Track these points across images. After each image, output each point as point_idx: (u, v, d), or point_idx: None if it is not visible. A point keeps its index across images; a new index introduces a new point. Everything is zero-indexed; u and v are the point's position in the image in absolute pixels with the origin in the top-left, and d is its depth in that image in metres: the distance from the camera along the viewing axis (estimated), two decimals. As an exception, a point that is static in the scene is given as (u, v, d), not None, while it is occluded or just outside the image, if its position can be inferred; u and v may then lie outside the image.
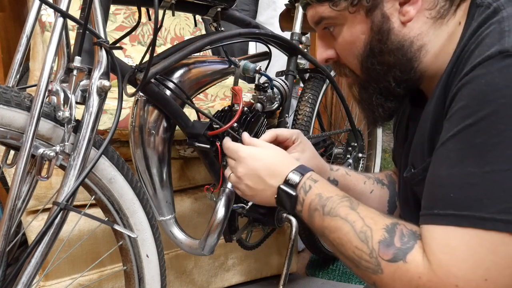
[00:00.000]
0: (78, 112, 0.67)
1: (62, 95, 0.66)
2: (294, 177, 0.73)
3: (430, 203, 0.59)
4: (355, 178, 0.92)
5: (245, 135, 0.86)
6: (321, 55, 0.75)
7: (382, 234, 0.61)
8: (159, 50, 1.58)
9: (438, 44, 0.66)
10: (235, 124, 0.94)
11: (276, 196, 0.74)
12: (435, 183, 0.59)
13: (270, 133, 0.85)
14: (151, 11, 0.90)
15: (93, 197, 0.77)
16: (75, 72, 0.68)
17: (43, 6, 0.67)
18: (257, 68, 1.02)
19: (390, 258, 0.59)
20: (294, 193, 0.72)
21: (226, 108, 1.01)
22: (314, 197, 0.70)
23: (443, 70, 0.65)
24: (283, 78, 1.24)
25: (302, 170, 0.74)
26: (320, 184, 0.72)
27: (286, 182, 0.73)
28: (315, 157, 0.88)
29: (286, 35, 1.31)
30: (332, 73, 1.45)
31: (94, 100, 0.67)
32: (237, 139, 0.90)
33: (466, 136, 0.55)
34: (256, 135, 0.99)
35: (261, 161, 0.77)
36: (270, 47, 1.22)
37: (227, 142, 0.85)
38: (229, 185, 0.95)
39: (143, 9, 0.85)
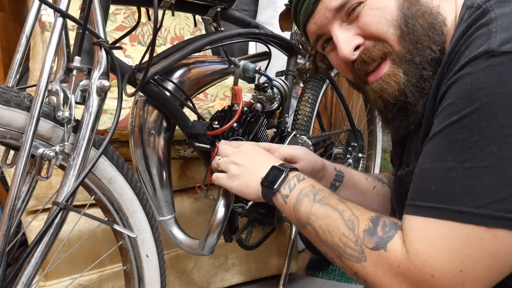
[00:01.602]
0: (78, 112, 0.67)
1: (61, 95, 0.66)
2: (289, 166, 0.77)
3: (413, 195, 0.61)
4: (357, 174, 0.95)
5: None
6: (347, 46, 0.69)
7: (367, 223, 0.63)
8: (159, 50, 1.58)
9: (450, 23, 0.67)
10: (235, 124, 0.94)
11: (264, 175, 0.76)
12: (419, 175, 0.61)
13: (279, 155, 0.88)
14: (151, 11, 0.90)
15: (93, 197, 0.77)
16: (74, 72, 0.68)
17: (43, 6, 0.67)
18: (257, 68, 1.02)
19: (373, 246, 0.61)
20: (286, 173, 0.74)
21: (226, 108, 1.01)
22: (307, 186, 0.73)
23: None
24: (283, 78, 1.24)
25: (293, 167, 0.78)
26: (312, 179, 0.75)
27: (281, 165, 0.77)
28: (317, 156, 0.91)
29: (286, 35, 1.31)
30: (332, 74, 1.45)
31: (94, 100, 0.67)
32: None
33: (450, 132, 0.56)
34: (256, 135, 0.99)
35: (259, 152, 0.82)
36: (270, 47, 1.22)
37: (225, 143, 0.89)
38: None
39: (143, 9, 0.84)
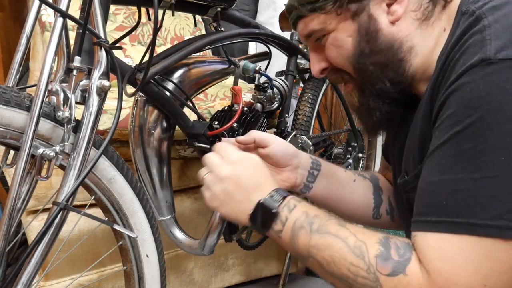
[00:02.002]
0: (78, 112, 0.67)
1: (62, 95, 0.66)
2: (278, 195, 0.69)
3: (422, 210, 0.59)
4: (334, 165, 0.92)
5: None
6: (315, 68, 0.77)
7: (377, 248, 0.59)
8: (159, 50, 1.58)
9: (426, 47, 0.68)
10: (235, 124, 0.94)
11: (252, 211, 0.69)
12: (427, 190, 0.59)
13: (249, 136, 0.82)
14: (151, 11, 0.90)
15: (93, 197, 0.77)
16: (75, 72, 0.68)
17: (43, 6, 0.67)
18: (257, 68, 1.02)
19: (389, 272, 0.58)
20: (275, 210, 0.68)
21: (226, 108, 1.01)
22: (300, 215, 0.67)
23: (430, 76, 0.66)
24: (283, 78, 1.24)
25: (284, 192, 0.71)
26: (304, 203, 0.69)
27: (270, 197, 0.69)
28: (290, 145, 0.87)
29: (286, 35, 1.31)
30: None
31: (94, 100, 0.67)
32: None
33: (455, 143, 0.56)
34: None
35: (249, 170, 0.72)
36: (270, 47, 1.22)
37: (224, 144, 0.79)
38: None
39: (143, 9, 0.84)
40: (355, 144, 1.64)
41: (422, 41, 0.68)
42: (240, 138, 0.83)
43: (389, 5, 0.67)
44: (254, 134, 0.82)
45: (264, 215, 0.69)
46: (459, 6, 0.66)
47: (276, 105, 1.14)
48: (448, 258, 0.55)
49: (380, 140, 1.95)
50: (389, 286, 0.57)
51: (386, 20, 0.67)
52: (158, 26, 0.70)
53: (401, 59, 0.68)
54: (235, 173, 0.71)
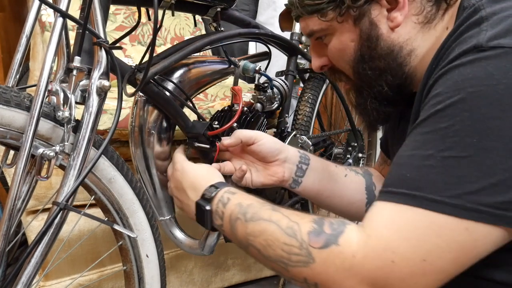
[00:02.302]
0: (78, 112, 0.67)
1: (61, 95, 0.66)
2: (210, 192, 0.73)
3: (387, 181, 0.60)
4: (324, 159, 0.92)
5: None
6: (315, 63, 0.78)
7: (311, 225, 0.60)
8: (159, 50, 1.58)
9: (427, 48, 0.68)
10: (235, 124, 0.94)
11: (195, 212, 0.74)
12: (396, 163, 0.60)
13: (235, 138, 0.86)
14: (151, 11, 0.90)
15: (93, 197, 0.77)
16: (74, 72, 0.68)
17: (43, 6, 0.67)
18: (257, 68, 1.02)
19: (321, 245, 0.57)
20: (208, 208, 0.71)
21: (226, 108, 1.01)
22: (234, 207, 0.69)
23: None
24: (283, 78, 1.24)
25: (219, 185, 0.74)
26: (238, 195, 0.71)
27: (202, 197, 0.74)
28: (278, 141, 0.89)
29: (286, 35, 1.31)
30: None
31: (94, 100, 0.67)
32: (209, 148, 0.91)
33: (433, 120, 0.56)
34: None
35: (187, 175, 0.80)
36: (270, 47, 1.22)
37: (176, 154, 0.87)
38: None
39: (143, 9, 0.84)
40: (355, 144, 1.64)
41: (423, 43, 0.68)
42: (226, 141, 0.86)
43: (389, 11, 0.67)
44: (239, 134, 0.85)
45: (202, 213, 0.73)
46: (461, 2, 0.66)
47: (276, 105, 1.14)
48: (395, 227, 0.54)
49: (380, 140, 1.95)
50: (321, 258, 0.57)
51: (386, 26, 0.68)
52: (158, 26, 0.70)
53: (400, 63, 0.69)
54: (177, 181, 0.81)
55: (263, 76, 1.05)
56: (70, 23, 0.66)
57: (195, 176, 0.79)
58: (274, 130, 1.28)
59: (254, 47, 2.12)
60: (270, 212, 0.65)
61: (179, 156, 0.86)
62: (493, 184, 0.51)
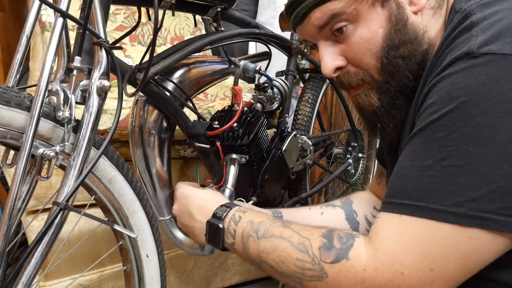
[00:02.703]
0: (78, 112, 0.67)
1: (62, 95, 0.66)
2: (221, 211, 0.75)
3: (389, 192, 0.61)
4: (297, 208, 0.94)
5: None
6: (330, 65, 0.69)
7: (320, 240, 0.62)
8: (159, 50, 1.58)
9: (437, 36, 0.67)
10: (235, 124, 0.94)
11: (205, 232, 0.76)
12: (397, 173, 0.60)
13: None
14: (151, 11, 0.90)
15: (93, 197, 0.77)
16: (75, 72, 0.68)
17: (43, 6, 0.67)
18: (257, 68, 1.02)
19: (332, 259, 0.60)
20: (221, 225, 0.73)
21: (226, 108, 1.01)
22: (246, 225, 0.71)
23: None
24: (283, 78, 1.24)
25: (230, 205, 0.77)
26: (249, 213, 0.73)
27: (214, 215, 0.76)
28: None
29: (286, 35, 1.31)
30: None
31: (94, 100, 0.67)
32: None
33: (430, 130, 0.57)
34: (256, 135, 0.99)
35: (192, 199, 0.82)
36: (270, 47, 1.22)
37: (178, 184, 0.90)
38: (229, 185, 0.95)
39: (143, 9, 0.85)
40: (355, 144, 1.64)
41: (437, 31, 0.67)
42: None
43: None
44: None
45: (213, 232, 0.74)
46: (452, 5, 0.66)
47: (276, 105, 1.14)
48: (401, 240, 0.56)
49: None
50: (334, 272, 0.59)
51: (410, 10, 0.66)
52: (158, 26, 0.70)
53: (425, 50, 0.66)
54: (182, 206, 0.84)
55: (263, 76, 1.05)
56: (70, 23, 0.66)
57: (202, 199, 0.81)
58: (274, 130, 1.28)
59: (254, 47, 2.12)
60: (281, 229, 0.67)
61: (179, 184, 0.90)
62: (492, 190, 0.52)
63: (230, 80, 1.13)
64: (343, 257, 0.59)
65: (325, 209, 0.91)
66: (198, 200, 0.82)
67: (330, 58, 0.69)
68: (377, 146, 0.96)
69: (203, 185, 0.97)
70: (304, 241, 0.63)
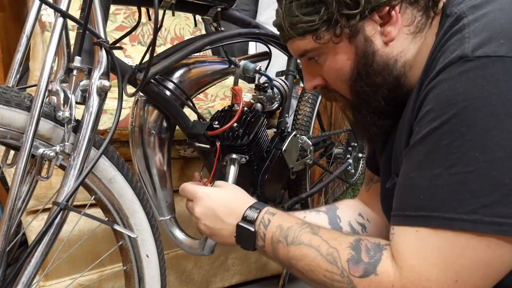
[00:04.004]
0: (78, 112, 0.67)
1: (62, 95, 0.66)
2: (252, 213, 0.75)
3: (401, 204, 0.61)
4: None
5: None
6: (309, 84, 0.76)
7: (348, 252, 0.62)
8: (159, 50, 1.58)
9: (420, 57, 0.67)
10: (235, 124, 0.94)
11: (235, 234, 0.76)
12: (406, 185, 0.60)
13: None
14: (151, 11, 0.90)
15: (93, 197, 0.77)
16: (75, 72, 0.68)
17: (43, 6, 0.67)
18: (257, 68, 1.02)
19: (361, 274, 0.60)
20: (253, 229, 0.73)
21: (226, 108, 1.01)
22: (275, 230, 0.71)
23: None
24: (283, 78, 1.24)
25: (259, 205, 0.76)
26: (278, 216, 0.73)
27: (244, 219, 0.75)
28: None
29: (286, 35, 1.31)
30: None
31: (94, 100, 0.67)
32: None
33: (433, 139, 0.56)
34: (256, 135, 0.99)
35: (217, 200, 0.79)
36: (270, 47, 1.22)
37: (186, 185, 0.86)
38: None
39: (143, 9, 0.84)
40: (355, 144, 1.64)
41: (416, 52, 0.67)
42: None
43: (382, 25, 0.66)
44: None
45: (244, 236, 0.74)
46: (443, 9, 0.66)
47: (276, 105, 1.14)
48: (422, 256, 0.56)
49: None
50: (363, 286, 0.60)
51: (381, 41, 0.66)
52: (158, 26, 0.70)
53: (396, 76, 0.68)
54: (206, 207, 0.80)
55: (263, 76, 1.05)
56: (70, 23, 0.66)
57: (227, 199, 0.80)
58: (274, 130, 1.28)
59: (254, 47, 2.12)
60: (310, 236, 0.67)
61: (193, 186, 0.85)
62: (504, 194, 0.52)
63: (230, 80, 1.13)
64: (372, 272, 0.60)
65: (308, 214, 0.91)
66: (224, 201, 0.80)
67: (309, 77, 0.75)
68: (367, 152, 0.95)
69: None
70: (333, 252, 0.63)
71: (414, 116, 0.62)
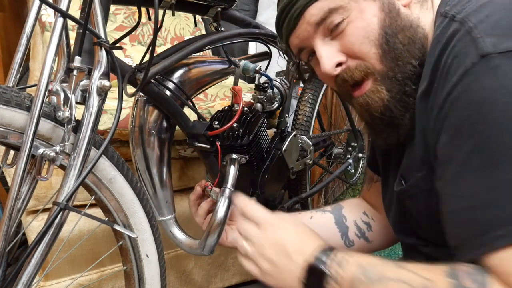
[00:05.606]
0: (78, 112, 0.67)
1: (62, 95, 0.66)
2: (324, 254, 0.65)
3: (483, 228, 0.55)
4: (288, 214, 0.90)
5: (243, 201, 0.76)
6: (332, 60, 0.68)
7: (448, 281, 0.56)
8: (159, 50, 1.58)
9: (427, 28, 0.67)
10: (235, 124, 0.94)
11: (302, 276, 0.65)
12: (472, 206, 0.56)
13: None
14: (151, 11, 0.90)
15: (93, 197, 0.77)
16: (75, 72, 0.68)
17: (43, 6, 0.67)
18: (257, 68, 1.02)
19: None
20: (327, 271, 0.63)
21: (226, 108, 1.01)
22: (355, 269, 0.62)
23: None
24: (283, 78, 1.24)
25: (327, 248, 0.66)
26: (352, 254, 0.65)
27: (316, 259, 0.64)
28: None
29: (286, 35, 1.31)
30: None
31: (94, 100, 0.67)
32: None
33: (481, 149, 0.54)
34: (256, 135, 0.99)
35: (287, 232, 0.69)
36: (270, 47, 1.22)
37: (243, 201, 0.76)
38: (229, 185, 0.95)
39: (143, 9, 0.85)
40: (355, 144, 1.64)
41: (430, 22, 0.67)
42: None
43: None
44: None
45: (315, 278, 0.64)
46: (438, 7, 0.66)
47: (276, 105, 1.14)
48: None
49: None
50: None
51: (399, 3, 0.67)
52: (158, 26, 0.70)
53: (422, 37, 0.66)
54: (275, 239, 0.68)
55: (263, 76, 1.05)
56: (70, 23, 0.66)
57: (300, 234, 0.69)
58: (274, 130, 1.28)
59: (254, 47, 2.12)
60: (396, 270, 0.60)
61: (257, 208, 0.73)
62: None
63: (230, 80, 1.13)
64: None
65: (314, 214, 0.90)
66: (295, 236, 0.69)
67: (329, 54, 0.68)
68: (368, 152, 0.94)
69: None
70: (427, 284, 0.57)
71: (437, 130, 0.60)
